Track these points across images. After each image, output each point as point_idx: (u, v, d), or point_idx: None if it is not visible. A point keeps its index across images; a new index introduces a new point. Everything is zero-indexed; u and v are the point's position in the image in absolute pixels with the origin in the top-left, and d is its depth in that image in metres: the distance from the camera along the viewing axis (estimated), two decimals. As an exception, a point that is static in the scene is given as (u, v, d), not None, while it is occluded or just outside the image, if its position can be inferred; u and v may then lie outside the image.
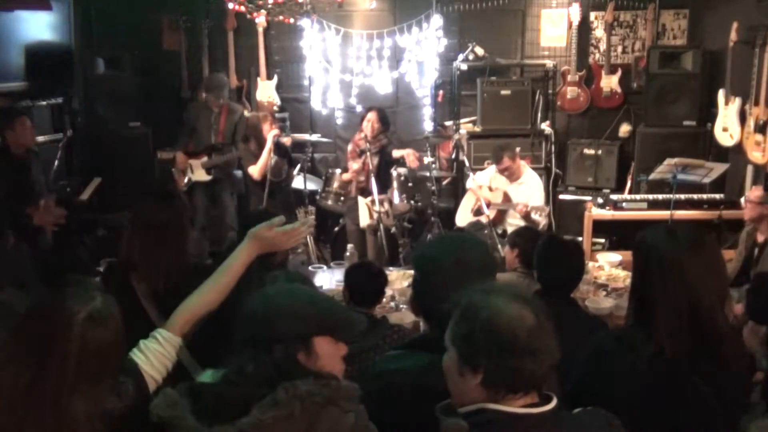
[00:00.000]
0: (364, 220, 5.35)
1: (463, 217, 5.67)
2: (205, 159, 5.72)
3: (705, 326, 1.80)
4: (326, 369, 1.53)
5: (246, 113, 6.38)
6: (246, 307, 1.59)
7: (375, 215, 5.17)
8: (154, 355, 1.74)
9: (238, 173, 6.00)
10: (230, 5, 5.23)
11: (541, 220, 5.09)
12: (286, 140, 5.61)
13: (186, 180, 5.80)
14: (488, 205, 5.32)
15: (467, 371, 1.42)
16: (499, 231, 5.17)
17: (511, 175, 5.34)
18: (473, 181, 5.52)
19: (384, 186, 5.40)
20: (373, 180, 5.09)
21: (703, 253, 1.85)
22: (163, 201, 2.53)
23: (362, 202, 5.40)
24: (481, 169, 5.89)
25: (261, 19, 6.23)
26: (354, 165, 5.59)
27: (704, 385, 1.79)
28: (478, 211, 5.44)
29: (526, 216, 5.01)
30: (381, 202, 5.04)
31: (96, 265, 4.10)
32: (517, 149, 5.57)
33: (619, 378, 1.86)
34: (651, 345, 1.81)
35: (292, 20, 5.34)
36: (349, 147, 5.74)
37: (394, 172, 5.59)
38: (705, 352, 1.80)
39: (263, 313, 1.55)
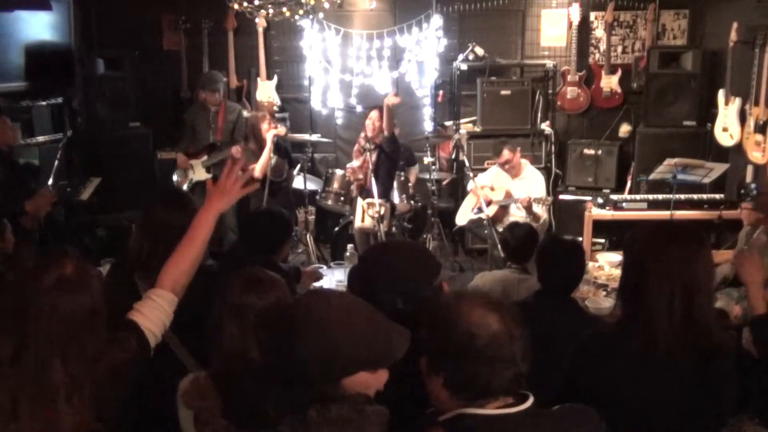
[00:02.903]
0: (358, 222, 5.36)
1: (463, 217, 5.68)
2: (204, 158, 5.75)
3: (697, 323, 1.80)
4: (358, 391, 1.46)
5: (246, 113, 6.38)
6: (271, 335, 1.50)
7: (368, 219, 5.17)
8: (150, 311, 1.78)
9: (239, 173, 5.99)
10: (230, 4, 5.22)
11: (542, 213, 5.10)
12: (281, 130, 5.52)
13: (188, 181, 5.81)
14: (489, 203, 5.33)
15: (431, 373, 1.45)
16: (500, 229, 5.17)
17: (512, 169, 5.37)
18: (474, 182, 5.52)
19: (385, 189, 5.37)
20: (373, 180, 5.09)
21: (698, 250, 1.86)
22: (176, 204, 2.53)
23: (359, 204, 5.39)
24: (482, 170, 5.90)
25: (261, 19, 6.23)
26: (355, 162, 5.59)
27: (695, 381, 1.80)
28: (479, 211, 5.44)
29: (528, 208, 5.03)
30: (380, 206, 5.02)
31: (97, 265, 4.08)
32: (518, 148, 5.57)
33: (607, 375, 1.86)
34: (639, 341, 1.81)
35: (293, 18, 5.31)
36: (355, 147, 5.75)
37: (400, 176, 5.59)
38: (695, 348, 1.80)
39: (299, 347, 1.42)
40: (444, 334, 1.43)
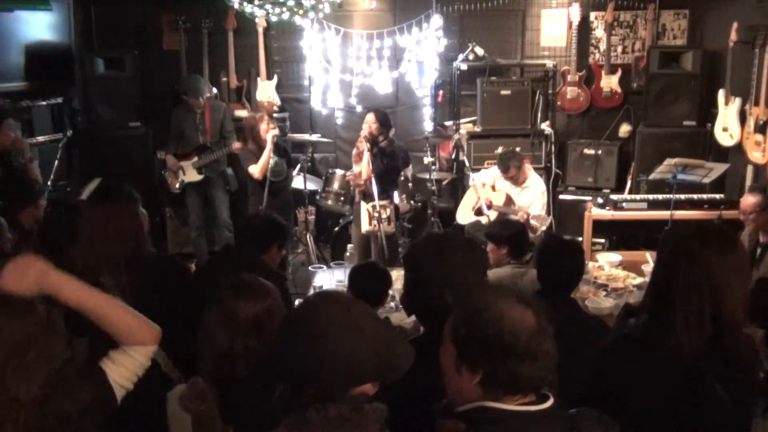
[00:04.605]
0: (365, 226, 5.36)
1: (464, 215, 5.67)
2: (195, 159, 5.76)
3: (724, 329, 1.77)
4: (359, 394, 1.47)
5: (245, 113, 6.39)
6: (294, 334, 1.45)
7: (374, 222, 5.16)
8: (123, 363, 1.70)
9: (229, 171, 6.02)
10: (233, 4, 5.19)
11: (539, 226, 5.10)
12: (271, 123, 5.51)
13: (179, 182, 5.81)
14: (489, 205, 5.32)
15: (465, 370, 1.43)
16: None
17: (516, 181, 5.35)
18: (473, 180, 5.51)
19: (387, 190, 5.36)
20: (373, 182, 5.08)
21: (733, 255, 1.82)
22: (104, 200, 2.54)
23: (364, 207, 5.39)
24: (482, 169, 5.90)
25: (261, 19, 6.24)
26: (355, 168, 5.58)
27: (719, 386, 1.77)
28: (479, 211, 5.43)
29: (525, 222, 5.01)
30: (383, 208, 5.01)
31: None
32: (526, 161, 5.55)
33: (631, 377, 1.85)
34: (667, 344, 1.79)
35: (293, 19, 5.30)
36: (354, 151, 5.74)
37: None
38: (720, 354, 1.78)
39: (310, 355, 1.40)
40: (485, 334, 1.40)
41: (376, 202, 4.93)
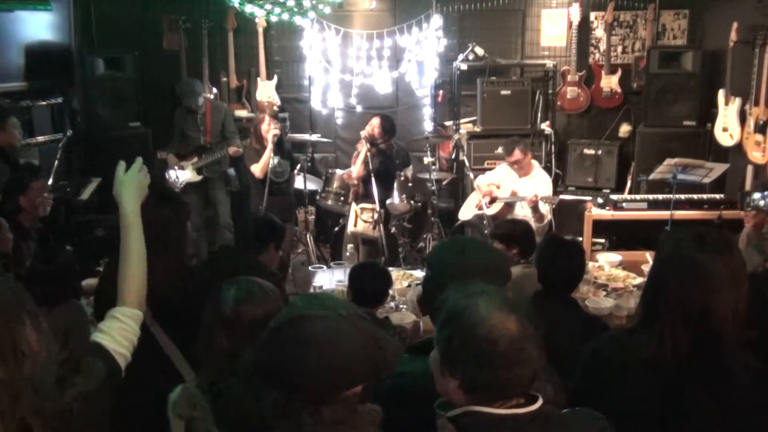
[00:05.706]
0: (350, 227, 5.38)
1: (466, 212, 5.69)
2: (195, 160, 5.77)
3: (711, 335, 1.76)
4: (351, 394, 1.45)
5: (245, 113, 6.38)
6: (281, 342, 1.42)
7: (361, 224, 5.18)
8: (118, 332, 1.69)
9: (231, 171, 6.02)
10: (233, 4, 5.20)
11: (547, 213, 5.11)
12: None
13: (179, 182, 5.82)
14: (494, 200, 5.34)
15: (446, 373, 1.43)
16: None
17: (521, 169, 5.36)
18: (477, 184, 5.51)
19: (383, 194, 5.37)
20: (373, 183, 5.08)
21: (728, 262, 1.80)
22: (164, 201, 2.53)
23: (353, 209, 5.41)
24: (482, 170, 5.90)
25: (261, 19, 6.24)
26: (353, 168, 5.59)
27: (700, 390, 1.76)
28: (480, 209, 5.44)
29: (534, 206, 5.03)
30: (368, 211, 5.02)
31: (96, 264, 4.09)
32: (530, 150, 5.56)
33: (615, 379, 1.85)
34: (650, 346, 1.79)
35: (295, 18, 5.31)
36: (354, 153, 5.74)
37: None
38: (707, 360, 1.76)
39: (299, 363, 1.38)
40: (463, 339, 1.40)
41: (376, 204, 4.94)
